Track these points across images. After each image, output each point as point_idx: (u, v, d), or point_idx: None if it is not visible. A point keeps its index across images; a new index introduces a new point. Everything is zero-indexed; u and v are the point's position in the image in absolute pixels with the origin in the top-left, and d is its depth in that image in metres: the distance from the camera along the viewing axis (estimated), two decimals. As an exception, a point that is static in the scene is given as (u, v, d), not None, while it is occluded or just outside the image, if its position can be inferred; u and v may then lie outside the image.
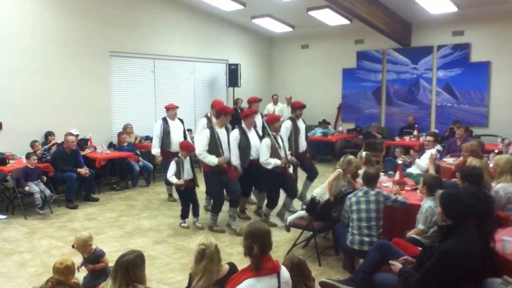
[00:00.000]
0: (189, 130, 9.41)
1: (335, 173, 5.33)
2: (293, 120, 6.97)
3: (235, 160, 6.29)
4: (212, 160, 6.00)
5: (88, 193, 8.01)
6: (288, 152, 6.52)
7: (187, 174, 6.25)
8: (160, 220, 6.83)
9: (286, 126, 6.92)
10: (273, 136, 6.27)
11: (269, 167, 6.10)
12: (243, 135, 6.36)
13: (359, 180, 5.70)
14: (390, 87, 11.68)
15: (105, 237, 5.99)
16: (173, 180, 6.20)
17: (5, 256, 5.38)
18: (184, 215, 6.48)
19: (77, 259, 4.00)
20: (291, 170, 6.56)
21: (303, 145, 7.06)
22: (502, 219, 4.07)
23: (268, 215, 6.52)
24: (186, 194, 6.37)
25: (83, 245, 3.98)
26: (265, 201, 6.65)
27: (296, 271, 3.25)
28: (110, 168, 8.84)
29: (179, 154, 6.34)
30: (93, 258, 3.99)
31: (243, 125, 6.46)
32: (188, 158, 6.33)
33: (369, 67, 11.95)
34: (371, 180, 4.68)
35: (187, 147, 6.36)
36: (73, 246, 4.05)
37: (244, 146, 6.33)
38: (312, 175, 7.22)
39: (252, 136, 6.48)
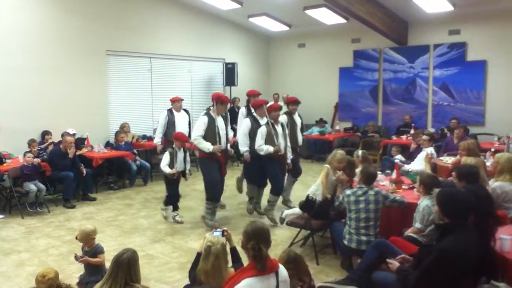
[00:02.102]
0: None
1: (324, 170, 5.40)
2: (289, 114, 7.08)
3: (243, 147, 6.50)
4: (207, 146, 6.11)
5: (85, 192, 8.00)
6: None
7: (179, 165, 6.47)
8: (158, 219, 6.82)
9: (283, 120, 7.02)
10: (271, 124, 6.38)
11: (262, 153, 6.28)
12: (255, 123, 6.56)
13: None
14: (387, 86, 11.71)
15: (103, 236, 5.97)
16: (166, 169, 6.42)
17: (3, 256, 5.38)
18: (168, 202, 6.65)
19: (73, 258, 4.01)
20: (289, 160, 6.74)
21: (299, 139, 7.23)
22: (500, 217, 4.09)
23: (274, 203, 6.53)
24: (175, 184, 6.57)
25: (86, 238, 4.04)
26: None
27: (291, 264, 3.27)
28: (107, 168, 8.83)
29: (174, 145, 6.54)
30: (92, 252, 4.03)
31: (255, 114, 6.69)
32: (182, 149, 6.52)
33: (366, 66, 11.97)
34: (371, 179, 4.66)
35: (180, 137, 6.56)
36: (76, 238, 4.12)
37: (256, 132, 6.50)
38: (296, 173, 7.25)
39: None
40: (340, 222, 5.04)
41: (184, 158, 6.57)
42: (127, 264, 2.96)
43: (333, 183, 5.35)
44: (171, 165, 6.41)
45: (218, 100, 6.30)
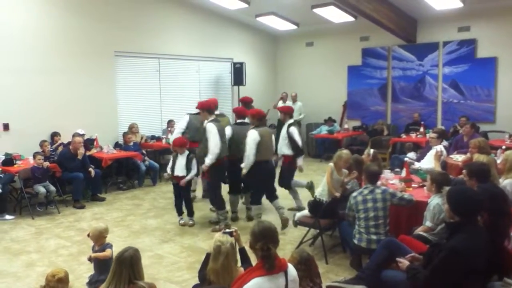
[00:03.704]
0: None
1: (328, 169, 5.41)
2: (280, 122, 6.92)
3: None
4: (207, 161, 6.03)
5: (95, 193, 8.04)
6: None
7: (180, 170, 6.38)
8: (167, 219, 6.84)
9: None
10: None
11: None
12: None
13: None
14: (396, 84, 11.63)
15: (112, 236, 5.97)
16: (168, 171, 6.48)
17: (13, 256, 5.42)
18: (177, 211, 6.62)
19: (83, 259, 4.02)
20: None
21: (283, 148, 6.81)
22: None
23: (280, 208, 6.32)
24: (177, 190, 6.52)
25: (98, 236, 4.07)
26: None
27: (303, 265, 3.24)
28: (116, 168, 8.86)
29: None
30: (102, 251, 4.05)
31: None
32: (184, 154, 6.44)
33: (374, 64, 11.90)
34: (373, 177, 4.63)
35: (179, 143, 6.51)
36: (88, 235, 4.14)
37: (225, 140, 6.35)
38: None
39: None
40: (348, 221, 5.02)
41: (186, 164, 6.37)
42: (130, 262, 2.99)
43: (339, 181, 5.36)
44: (171, 169, 6.44)
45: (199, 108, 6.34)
